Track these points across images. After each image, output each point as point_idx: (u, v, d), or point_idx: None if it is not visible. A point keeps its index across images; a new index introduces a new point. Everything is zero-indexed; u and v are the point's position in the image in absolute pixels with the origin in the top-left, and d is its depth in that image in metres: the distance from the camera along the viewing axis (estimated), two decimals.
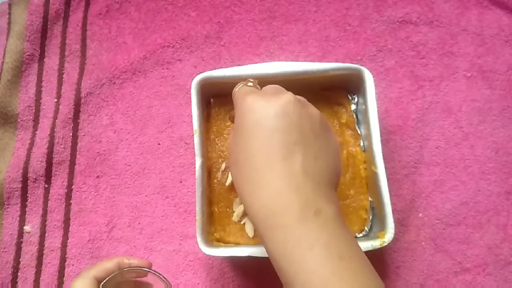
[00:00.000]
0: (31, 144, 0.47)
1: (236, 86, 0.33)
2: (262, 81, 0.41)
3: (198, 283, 0.44)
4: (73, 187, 0.47)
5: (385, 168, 0.39)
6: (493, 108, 0.47)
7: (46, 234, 0.45)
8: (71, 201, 0.46)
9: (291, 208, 0.25)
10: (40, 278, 0.44)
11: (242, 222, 0.41)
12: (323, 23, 0.50)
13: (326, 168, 0.28)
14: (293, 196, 0.25)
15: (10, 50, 0.49)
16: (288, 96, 0.29)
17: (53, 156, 0.47)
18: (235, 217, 0.41)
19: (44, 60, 0.50)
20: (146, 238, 0.45)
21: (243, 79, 0.40)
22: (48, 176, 0.46)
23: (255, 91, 0.30)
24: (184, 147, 0.47)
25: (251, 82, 0.33)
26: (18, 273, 0.44)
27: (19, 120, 0.48)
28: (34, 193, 0.46)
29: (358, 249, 0.26)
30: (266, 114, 0.27)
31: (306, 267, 0.24)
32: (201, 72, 0.41)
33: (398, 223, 0.44)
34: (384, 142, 0.45)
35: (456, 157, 0.46)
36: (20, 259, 0.45)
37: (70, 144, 0.47)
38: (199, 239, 0.38)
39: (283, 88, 0.31)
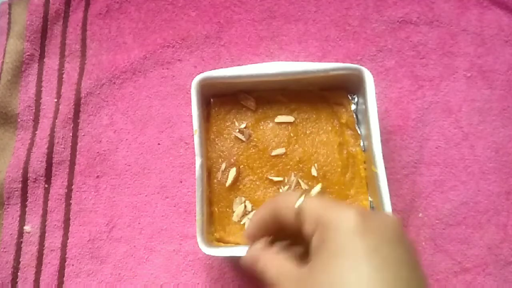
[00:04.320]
0: (31, 144, 0.47)
1: (291, 198, 0.26)
2: (262, 81, 0.41)
3: (198, 283, 0.44)
4: (73, 187, 0.47)
5: (385, 168, 0.39)
6: (493, 108, 0.47)
7: (46, 234, 0.45)
8: (71, 201, 0.46)
9: None
10: (40, 278, 0.44)
11: (242, 222, 0.41)
12: (323, 23, 0.50)
13: None
14: None
15: (10, 50, 0.49)
16: (394, 217, 0.23)
17: (53, 156, 0.47)
18: (235, 217, 0.41)
19: (44, 60, 0.50)
20: (146, 238, 0.45)
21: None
22: (48, 176, 0.46)
23: (347, 205, 0.24)
24: (184, 147, 0.47)
25: (305, 193, 0.26)
26: (18, 273, 0.44)
27: (19, 120, 0.48)
28: (34, 193, 0.46)
29: None
30: (385, 238, 0.22)
31: None
32: (201, 72, 0.41)
33: None
34: (384, 142, 0.45)
35: (456, 157, 0.46)
36: (20, 259, 0.45)
37: (70, 144, 0.47)
38: (199, 239, 0.38)
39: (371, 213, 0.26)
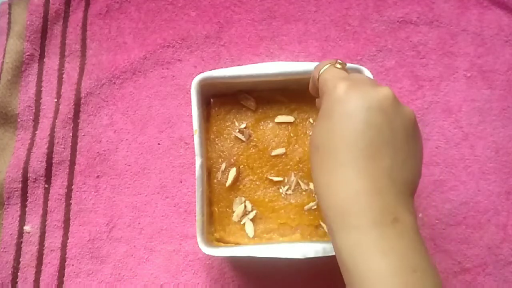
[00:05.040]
0: (31, 144, 0.47)
1: (321, 66, 0.31)
2: (262, 81, 0.41)
3: (198, 283, 0.44)
4: (73, 187, 0.47)
5: None
6: (493, 108, 0.47)
7: (46, 234, 0.45)
8: (71, 201, 0.46)
9: (369, 211, 0.24)
10: (40, 278, 0.44)
11: (242, 222, 0.41)
12: (323, 23, 0.50)
13: (410, 176, 0.27)
14: (373, 199, 0.24)
15: (10, 50, 0.49)
16: (387, 90, 0.27)
17: (53, 156, 0.47)
18: (235, 217, 0.41)
19: (44, 60, 0.50)
20: (146, 238, 0.45)
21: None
22: (48, 176, 0.46)
23: (348, 78, 0.28)
24: (184, 147, 0.47)
25: (340, 64, 0.31)
26: (18, 273, 0.44)
27: (19, 120, 0.48)
28: (34, 193, 0.46)
29: (432, 263, 0.25)
30: (360, 106, 0.25)
31: (377, 275, 0.23)
32: (201, 72, 0.41)
33: None
34: None
35: (456, 157, 0.46)
36: (20, 259, 0.45)
37: (70, 144, 0.47)
38: (199, 239, 0.38)
39: (377, 81, 0.29)
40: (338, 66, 0.30)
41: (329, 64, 0.31)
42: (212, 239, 0.41)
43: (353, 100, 0.26)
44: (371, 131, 0.25)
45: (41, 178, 0.46)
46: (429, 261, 0.25)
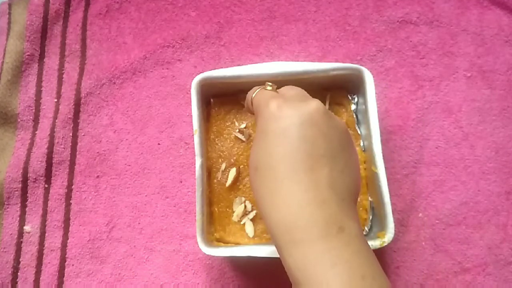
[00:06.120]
0: (31, 144, 0.47)
1: (252, 90, 0.32)
2: (262, 81, 0.41)
3: (198, 283, 0.44)
4: (73, 187, 0.47)
5: (385, 168, 0.39)
6: (493, 108, 0.47)
7: (46, 234, 0.45)
8: (71, 201, 0.46)
9: (314, 223, 0.24)
10: (40, 278, 0.44)
11: (242, 222, 0.41)
12: (323, 23, 0.50)
13: (350, 183, 0.27)
14: (317, 211, 0.24)
15: (10, 50, 0.49)
16: (317, 104, 0.27)
17: (53, 156, 0.47)
18: (235, 217, 0.41)
19: (44, 60, 0.50)
20: (146, 238, 0.45)
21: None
22: (48, 176, 0.46)
23: (279, 96, 0.29)
24: (184, 147, 0.47)
25: (270, 86, 0.32)
26: (18, 273, 0.44)
27: (19, 120, 0.48)
28: (34, 193, 0.46)
29: (380, 269, 0.25)
30: (292, 122, 0.26)
31: (327, 285, 0.23)
32: (201, 72, 0.41)
33: (398, 223, 0.44)
34: (384, 142, 0.45)
35: (456, 157, 0.46)
36: (20, 259, 0.45)
37: (70, 144, 0.47)
38: (199, 239, 0.38)
39: (308, 94, 0.30)
40: (269, 88, 0.31)
41: (259, 88, 0.32)
42: (212, 239, 0.41)
43: (285, 117, 0.26)
44: (306, 144, 0.26)
45: (41, 178, 0.46)
46: (377, 266, 0.25)
